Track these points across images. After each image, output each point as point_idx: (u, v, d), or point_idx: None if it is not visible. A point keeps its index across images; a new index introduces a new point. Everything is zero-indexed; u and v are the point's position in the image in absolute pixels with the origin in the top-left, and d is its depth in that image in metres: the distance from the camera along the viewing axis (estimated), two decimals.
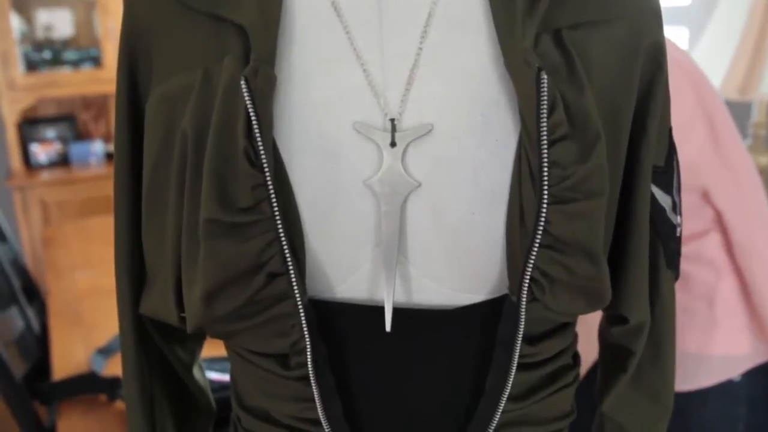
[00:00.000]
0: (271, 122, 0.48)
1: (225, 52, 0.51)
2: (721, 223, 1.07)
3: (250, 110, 0.47)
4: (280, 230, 0.48)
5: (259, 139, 0.47)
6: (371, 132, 0.49)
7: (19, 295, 2.02)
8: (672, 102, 0.99)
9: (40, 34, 3.35)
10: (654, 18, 0.55)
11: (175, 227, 0.53)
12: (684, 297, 1.09)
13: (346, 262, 0.51)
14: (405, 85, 0.50)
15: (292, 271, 0.49)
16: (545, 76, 0.47)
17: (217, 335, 0.54)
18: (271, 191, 0.48)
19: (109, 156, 3.42)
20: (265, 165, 0.47)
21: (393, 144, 0.49)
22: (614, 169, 0.54)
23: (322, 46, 0.51)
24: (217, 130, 0.48)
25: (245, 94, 0.47)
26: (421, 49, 0.51)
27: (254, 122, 0.47)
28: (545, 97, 0.47)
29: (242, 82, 0.47)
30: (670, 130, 0.60)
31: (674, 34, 2.17)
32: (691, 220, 1.07)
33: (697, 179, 1.04)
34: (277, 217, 0.48)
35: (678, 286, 1.06)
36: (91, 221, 2.84)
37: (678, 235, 0.62)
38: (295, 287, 0.49)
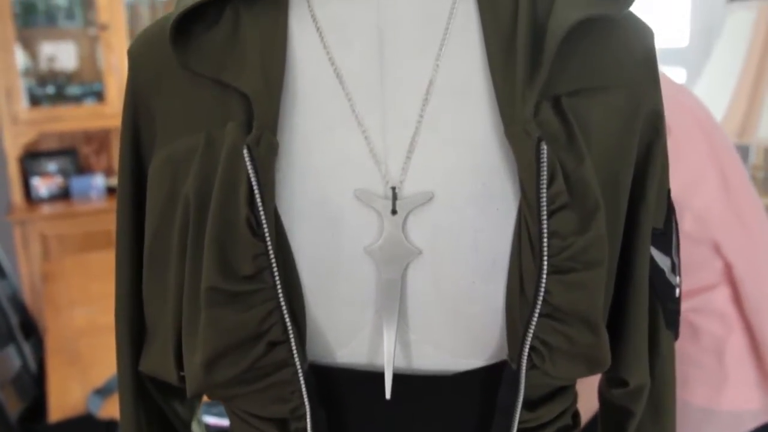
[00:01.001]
0: (273, 190, 0.49)
1: (228, 116, 0.52)
2: (730, 276, 1.06)
3: (253, 179, 0.48)
4: (281, 299, 0.48)
5: (261, 207, 0.48)
6: (372, 199, 0.50)
7: (17, 333, 2.02)
8: (684, 153, 0.99)
9: (44, 67, 3.38)
10: (652, 86, 0.55)
11: (177, 289, 0.53)
12: (693, 349, 1.08)
13: (347, 328, 0.51)
14: (406, 153, 0.51)
15: (292, 340, 0.49)
16: (545, 147, 0.47)
17: (216, 398, 0.54)
18: (273, 260, 0.48)
19: (110, 190, 3.44)
20: (267, 234, 0.48)
21: (394, 212, 0.49)
22: (613, 234, 0.54)
23: (324, 112, 0.52)
24: (219, 199, 0.49)
25: (248, 163, 0.48)
26: (422, 116, 0.51)
27: (256, 191, 0.48)
28: (545, 168, 0.47)
29: (245, 150, 0.48)
30: (668, 192, 0.60)
31: (671, 75, 2.19)
32: (701, 272, 1.06)
33: (707, 232, 1.04)
34: (278, 286, 0.48)
35: (686, 337, 1.05)
36: (91, 256, 2.84)
37: (677, 296, 0.62)
38: (296, 355, 0.49)
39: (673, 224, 0.61)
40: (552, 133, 0.50)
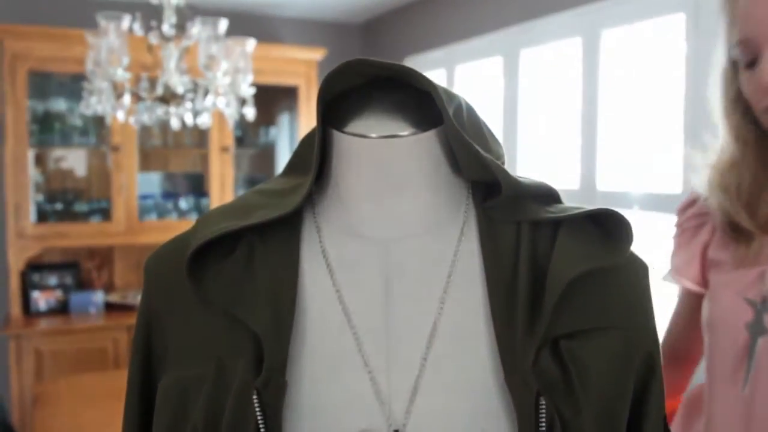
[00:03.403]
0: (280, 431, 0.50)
1: (239, 347, 0.54)
2: None
3: (261, 425, 0.49)
4: None
5: None
6: None
7: None
8: None
9: (52, 167, 3.46)
10: (648, 333, 0.58)
11: None
12: None
13: None
14: (410, 395, 0.53)
15: None
16: (544, 401, 0.49)
17: None
18: None
19: (108, 306, 3.44)
20: None
21: None
22: None
23: (332, 351, 0.54)
24: None
25: (256, 408, 0.50)
26: (425, 359, 0.53)
27: None
28: (544, 421, 0.49)
29: (254, 396, 0.50)
30: (665, 418, 0.62)
31: (662, 221, 2.24)
32: None
33: None
34: None
35: None
36: (84, 378, 2.80)
37: None
38: None
39: None
40: (550, 382, 0.52)
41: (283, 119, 3.93)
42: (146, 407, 0.60)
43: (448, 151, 0.59)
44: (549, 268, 0.54)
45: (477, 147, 0.55)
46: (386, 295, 0.56)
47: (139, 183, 3.46)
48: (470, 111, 0.60)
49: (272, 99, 3.78)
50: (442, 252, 0.57)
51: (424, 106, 0.58)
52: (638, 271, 0.59)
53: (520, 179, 0.58)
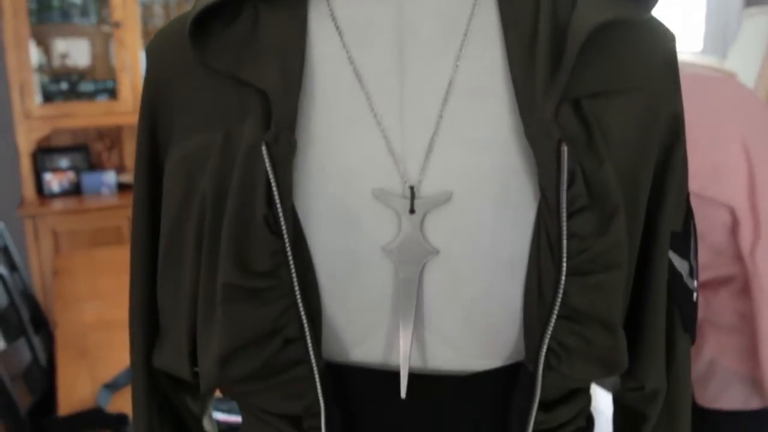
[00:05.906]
0: (290, 188, 0.49)
1: (246, 113, 0.51)
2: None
3: (271, 177, 0.48)
4: (298, 296, 0.48)
5: (279, 205, 0.48)
6: (390, 199, 0.50)
7: (27, 326, 2.03)
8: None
9: (57, 63, 3.40)
10: (672, 89, 0.55)
11: (192, 286, 0.53)
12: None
13: (362, 327, 0.51)
14: (425, 152, 0.50)
15: (308, 337, 0.49)
16: (565, 148, 0.47)
17: (230, 395, 0.54)
18: (290, 257, 0.48)
19: (120, 186, 3.45)
20: (285, 231, 0.48)
21: (412, 211, 0.49)
22: (632, 238, 0.53)
23: (343, 111, 0.52)
24: (236, 196, 0.49)
25: (266, 160, 0.48)
26: (441, 116, 0.51)
27: (274, 189, 0.48)
28: (565, 169, 0.47)
29: (263, 148, 0.48)
30: (687, 195, 0.60)
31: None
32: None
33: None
34: (295, 283, 0.48)
35: None
36: (100, 252, 2.85)
37: (695, 300, 0.62)
38: (311, 352, 0.49)
39: (692, 227, 0.61)
40: (572, 135, 0.49)
41: None
42: (154, 197, 0.58)
43: None
44: (570, 20, 0.50)
45: None
46: (399, 53, 0.52)
47: (144, 62, 3.38)
48: None
49: None
50: (458, 9, 0.53)
51: None
52: (665, 35, 0.56)
53: None
